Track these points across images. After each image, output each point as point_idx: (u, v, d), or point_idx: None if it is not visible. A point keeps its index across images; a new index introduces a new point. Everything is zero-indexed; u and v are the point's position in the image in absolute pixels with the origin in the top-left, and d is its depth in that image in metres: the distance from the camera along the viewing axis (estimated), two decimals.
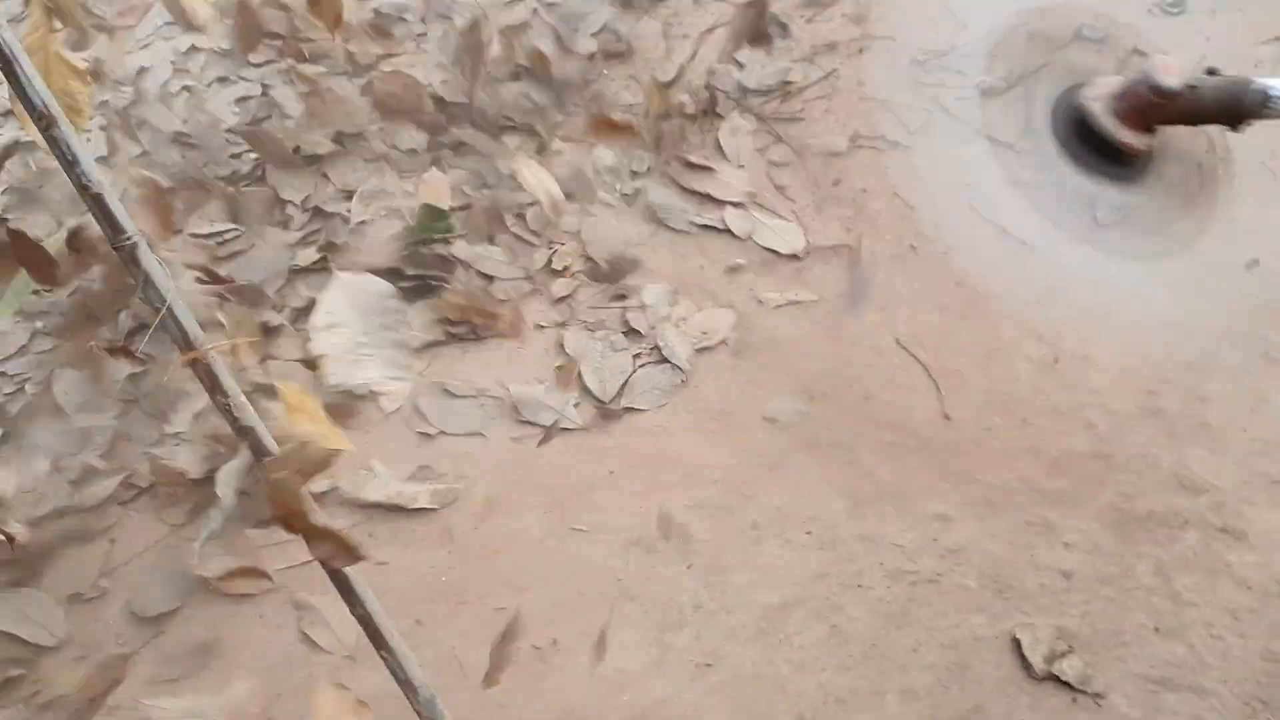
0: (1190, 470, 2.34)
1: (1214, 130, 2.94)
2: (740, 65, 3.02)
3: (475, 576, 2.17)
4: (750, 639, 2.08)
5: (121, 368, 2.39)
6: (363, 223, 2.61)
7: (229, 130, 2.80)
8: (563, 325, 2.51)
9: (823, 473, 2.35)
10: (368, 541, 2.18)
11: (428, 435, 2.33)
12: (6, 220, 2.61)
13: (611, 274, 2.62)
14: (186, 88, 2.94)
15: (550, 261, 2.61)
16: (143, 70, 2.94)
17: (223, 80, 2.97)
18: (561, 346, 2.48)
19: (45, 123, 1.27)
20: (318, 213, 2.66)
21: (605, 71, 2.99)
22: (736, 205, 2.77)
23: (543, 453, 2.34)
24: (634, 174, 2.81)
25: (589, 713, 1.98)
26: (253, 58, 2.98)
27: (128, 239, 1.35)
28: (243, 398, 1.43)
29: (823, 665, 2.03)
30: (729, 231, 2.72)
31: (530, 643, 2.08)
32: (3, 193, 2.71)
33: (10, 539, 2.11)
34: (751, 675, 2.02)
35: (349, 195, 2.67)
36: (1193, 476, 2.33)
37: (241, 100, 2.89)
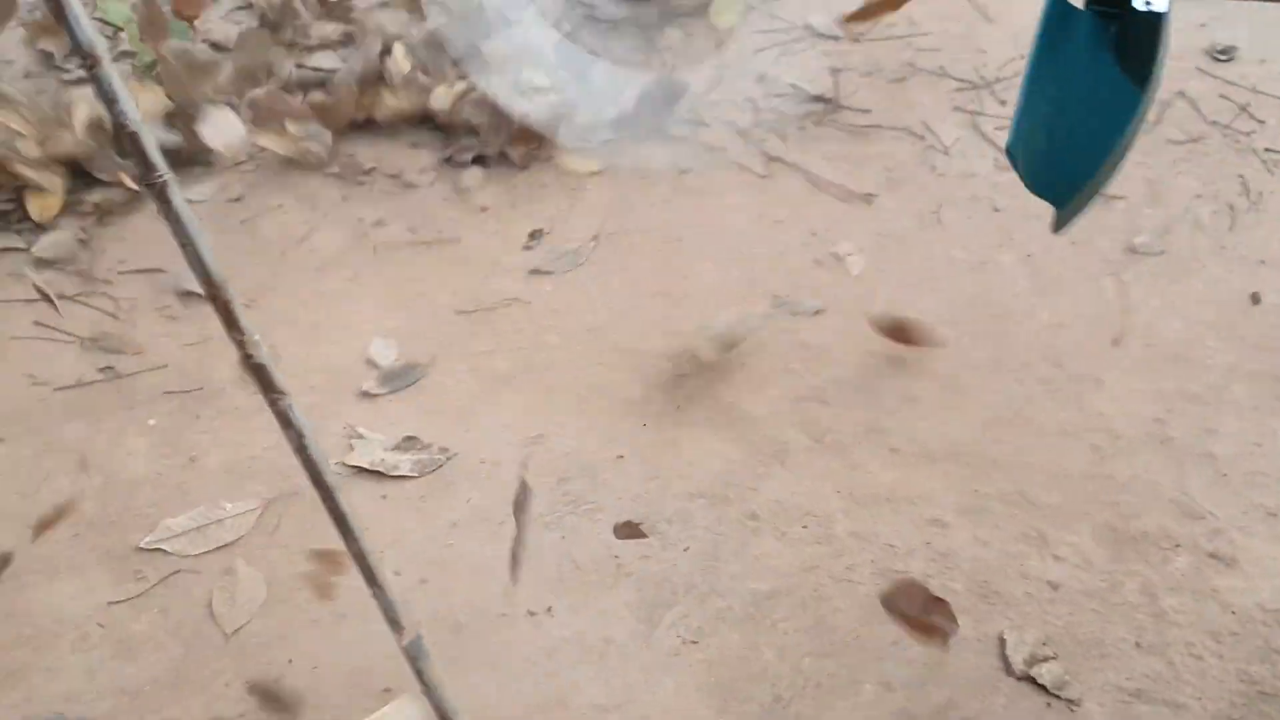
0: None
1: None
2: None
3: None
4: (737, 622, 2.14)
5: None
6: None
7: None
8: None
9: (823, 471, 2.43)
10: None
11: None
12: None
13: None
14: None
15: None
16: None
17: None
18: None
19: (90, 62, 1.36)
20: None
21: None
22: None
23: None
24: None
25: (575, 675, 2.05)
26: None
27: (159, 177, 1.45)
28: (258, 336, 1.52)
29: (805, 651, 2.09)
30: None
31: (525, 608, 2.16)
32: None
33: None
34: (734, 656, 2.09)
35: None
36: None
37: None
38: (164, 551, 2.26)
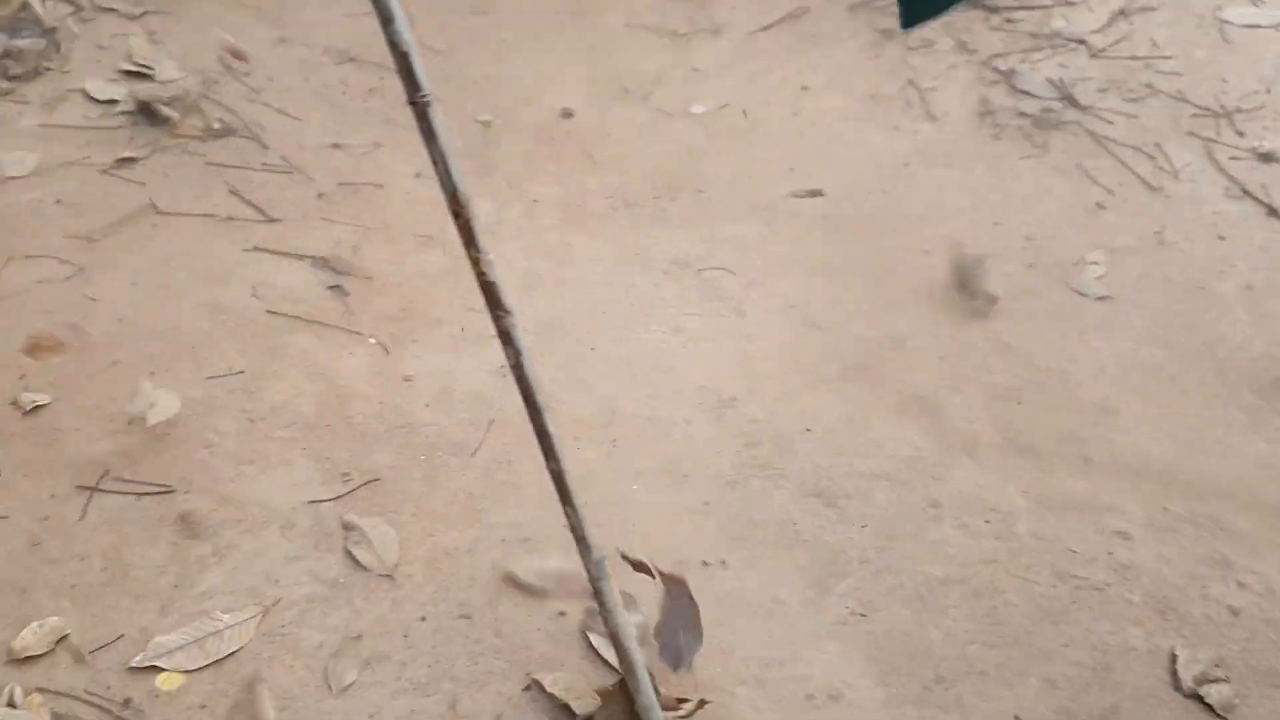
0: None
1: None
2: None
3: None
4: (907, 601, 2.17)
5: None
6: None
7: None
8: None
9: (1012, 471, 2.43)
10: None
11: None
12: None
13: None
14: None
15: None
16: None
17: None
18: None
19: None
20: None
21: None
22: None
23: None
24: None
25: (742, 627, 2.11)
26: None
27: (423, 96, 1.55)
28: (491, 255, 1.62)
29: (972, 638, 2.10)
30: None
31: (700, 558, 2.23)
32: None
33: None
34: (901, 632, 2.12)
35: None
36: None
37: None
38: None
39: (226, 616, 2.05)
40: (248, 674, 1.98)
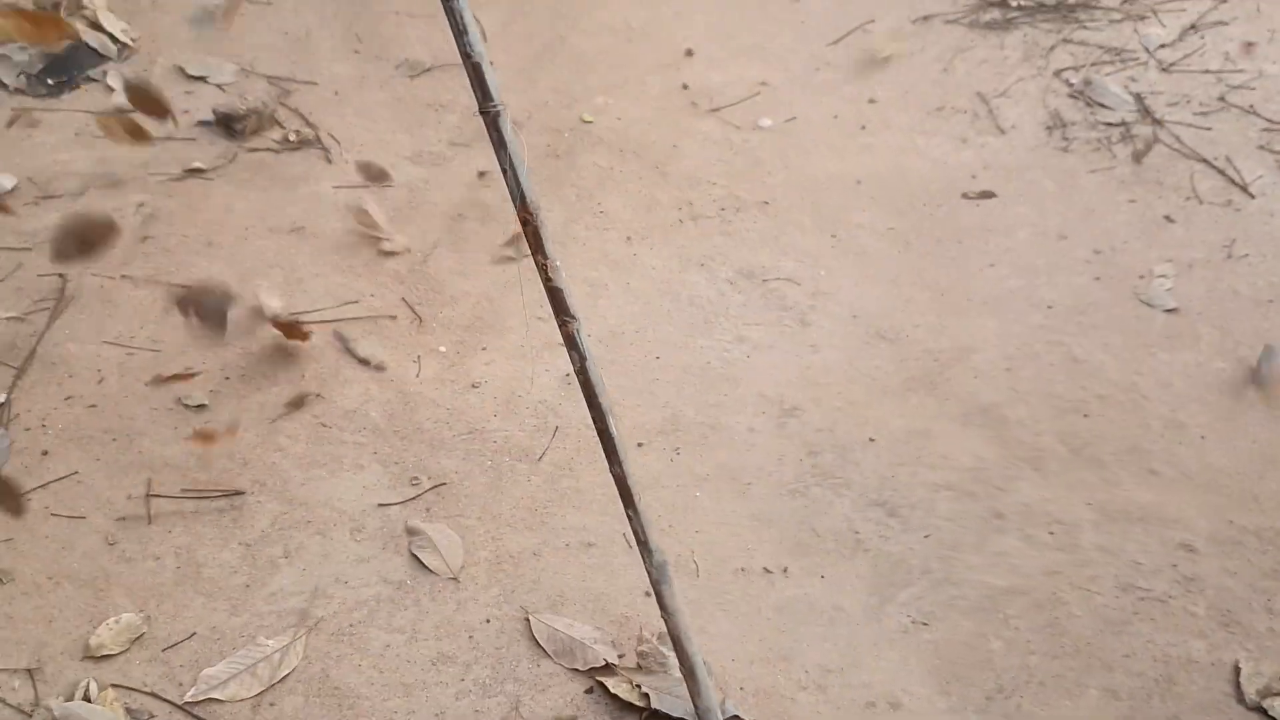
0: None
1: None
2: None
3: None
4: (969, 611, 2.17)
5: None
6: None
7: None
8: None
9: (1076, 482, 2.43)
10: None
11: None
12: None
13: None
14: None
15: None
16: None
17: None
18: None
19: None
20: None
21: None
22: None
23: None
24: None
25: (803, 634, 2.13)
26: None
27: (494, 106, 1.59)
28: (559, 263, 1.66)
29: (1033, 649, 2.10)
30: None
31: (762, 565, 2.25)
32: None
33: None
34: (962, 642, 2.12)
35: None
36: None
37: None
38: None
39: (271, 642, 2.09)
40: (316, 672, 2.03)
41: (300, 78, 3.65)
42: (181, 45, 3.75)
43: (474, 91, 1.59)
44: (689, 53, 3.86)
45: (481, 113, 1.60)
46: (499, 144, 1.60)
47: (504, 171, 1.62)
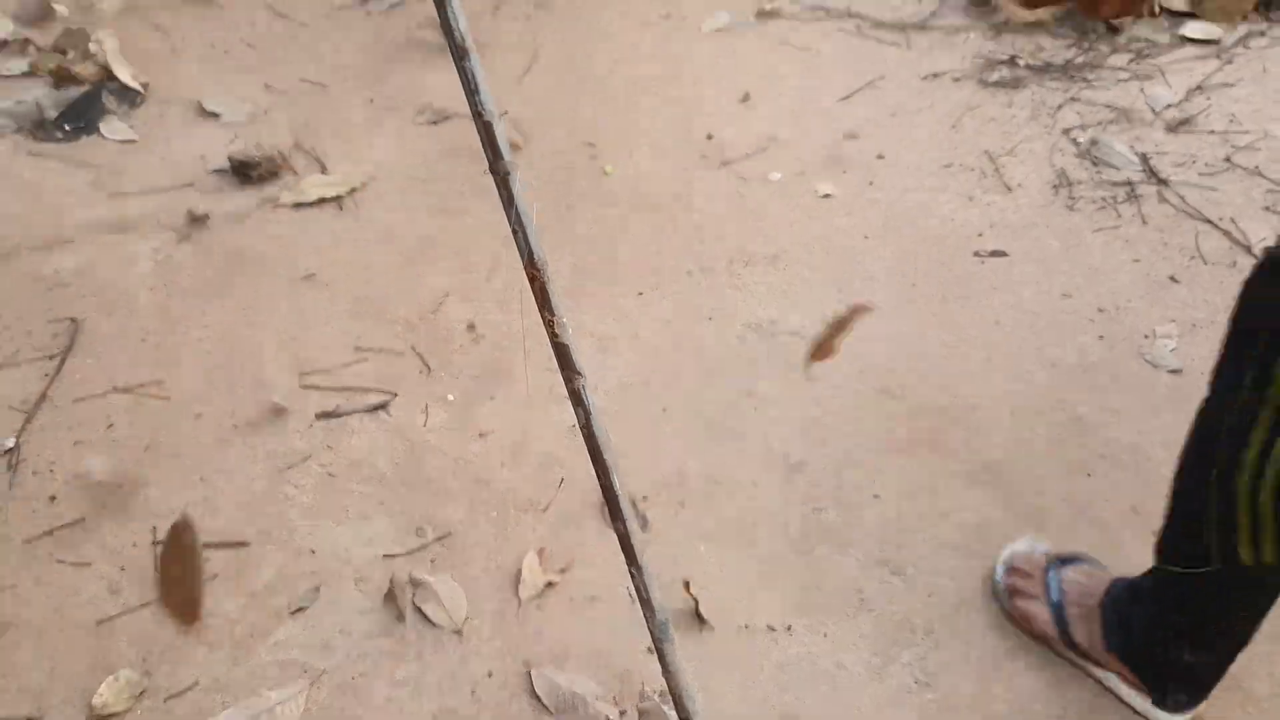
0: None
1: None
2: None
3: None
4: (973, 672, 2.17)
5: None
6: None
7: None
8: None
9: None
10: None
11: None
12: None
13: None
14: None
15: None
16: None
17: None
18: None
19: (460, 54, 1.54)
20: None
21: None
22: None
23: None
24: None
25: (806, 693, 2.12)
26: None
27: (504, 166, 1.61)
28: (565, 319, 1.67)
29: (1040, 713, 2.10)
30: None
31: (765, 623, 2.25)
32: None
33: None
34: (964, 705, 2.12)
35: None
36: None
37: None
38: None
39: (274, 694, 2.09)
40: None
41: (316, 122, 3.69)
42: (195, 87, 3.79)
43: (484, 150, 1.61)
44: (704, 107, 3.90)
45: (491, 171, 1.62)
46: (508, 202, 1.62)
47: (513, 231, 1.64)
